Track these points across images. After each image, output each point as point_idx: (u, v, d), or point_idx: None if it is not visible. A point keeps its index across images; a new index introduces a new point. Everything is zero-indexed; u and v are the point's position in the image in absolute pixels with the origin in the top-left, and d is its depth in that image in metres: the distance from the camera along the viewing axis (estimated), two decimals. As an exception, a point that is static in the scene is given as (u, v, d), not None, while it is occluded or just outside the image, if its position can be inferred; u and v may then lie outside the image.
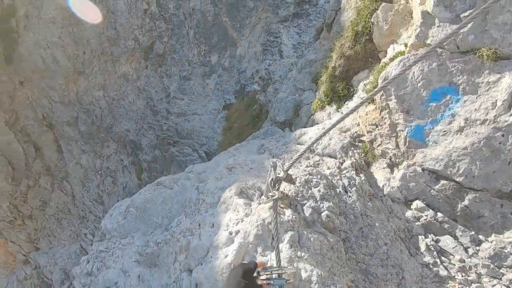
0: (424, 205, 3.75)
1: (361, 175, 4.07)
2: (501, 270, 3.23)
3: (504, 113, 3.17)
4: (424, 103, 3.63)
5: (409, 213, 3.79)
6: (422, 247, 3.51)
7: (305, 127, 6.17)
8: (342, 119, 3.26)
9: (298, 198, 3.60)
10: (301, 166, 4.18)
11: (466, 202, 3.53)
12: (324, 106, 5.30)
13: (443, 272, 3.33)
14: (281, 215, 3.34)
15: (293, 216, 3.32)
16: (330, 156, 4.46)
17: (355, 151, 4.41)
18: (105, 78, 14.72)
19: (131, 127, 13.83)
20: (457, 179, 3.54)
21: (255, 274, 1.17)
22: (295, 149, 4.66)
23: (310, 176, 3.85)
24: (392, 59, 4.22)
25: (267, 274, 1.17)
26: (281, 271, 1.20)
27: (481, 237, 3.49)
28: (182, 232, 4.00)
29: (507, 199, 3.39)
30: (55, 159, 14.03)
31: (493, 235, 3.48)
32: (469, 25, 3.17)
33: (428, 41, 3.50)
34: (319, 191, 3.66)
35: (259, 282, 1.17)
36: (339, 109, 5.06)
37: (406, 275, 3.27)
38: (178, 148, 12.10)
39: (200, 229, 3.82)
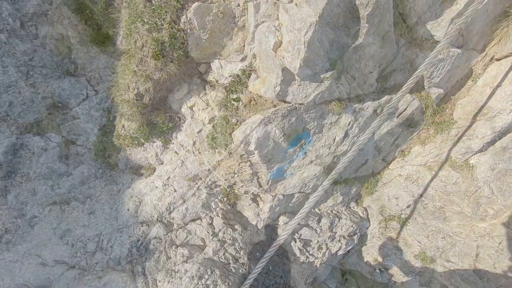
0: (287, 218, 4.24)
1: (236, 226, 3.75)
2: (334, 230, 4.68)
3: (340, 145, 3.59)
4: (283, 151, 3.35)
5: (279, 231, 4.22)
6: (297, 253, 4.27)
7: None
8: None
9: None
10: (184, 270, 3.23)
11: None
12: (143, 144, 3.59)
13: (311, 259, 4.40)
14: None
15: None
16: (194, 220, 3.64)
17: (216, 199, 3.76)
18: None
19: None
20: (306, 192, 4.10)
21: None
22: (153, 244, 3.30)
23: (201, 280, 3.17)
24: (228, 90, 3.16)
25: None
26: None
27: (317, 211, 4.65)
28: None
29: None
30: None
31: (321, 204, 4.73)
32: (327, 83, 2.77)
33: (288, 99, 2.82)
34: (224, 292, 3.20)
35: None
36: (167, 145, 3.64)
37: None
38: None
39: None
